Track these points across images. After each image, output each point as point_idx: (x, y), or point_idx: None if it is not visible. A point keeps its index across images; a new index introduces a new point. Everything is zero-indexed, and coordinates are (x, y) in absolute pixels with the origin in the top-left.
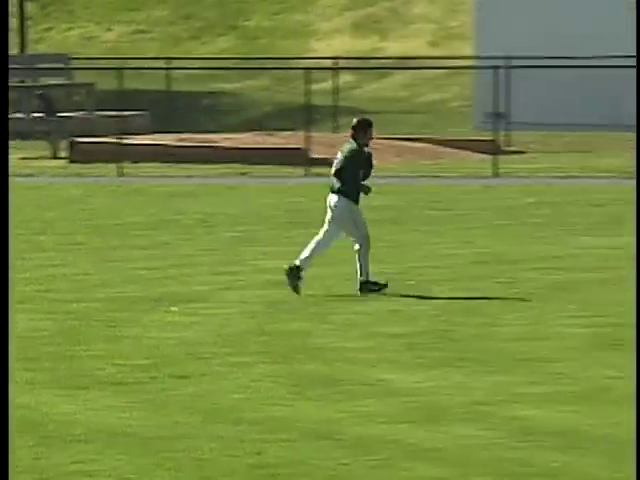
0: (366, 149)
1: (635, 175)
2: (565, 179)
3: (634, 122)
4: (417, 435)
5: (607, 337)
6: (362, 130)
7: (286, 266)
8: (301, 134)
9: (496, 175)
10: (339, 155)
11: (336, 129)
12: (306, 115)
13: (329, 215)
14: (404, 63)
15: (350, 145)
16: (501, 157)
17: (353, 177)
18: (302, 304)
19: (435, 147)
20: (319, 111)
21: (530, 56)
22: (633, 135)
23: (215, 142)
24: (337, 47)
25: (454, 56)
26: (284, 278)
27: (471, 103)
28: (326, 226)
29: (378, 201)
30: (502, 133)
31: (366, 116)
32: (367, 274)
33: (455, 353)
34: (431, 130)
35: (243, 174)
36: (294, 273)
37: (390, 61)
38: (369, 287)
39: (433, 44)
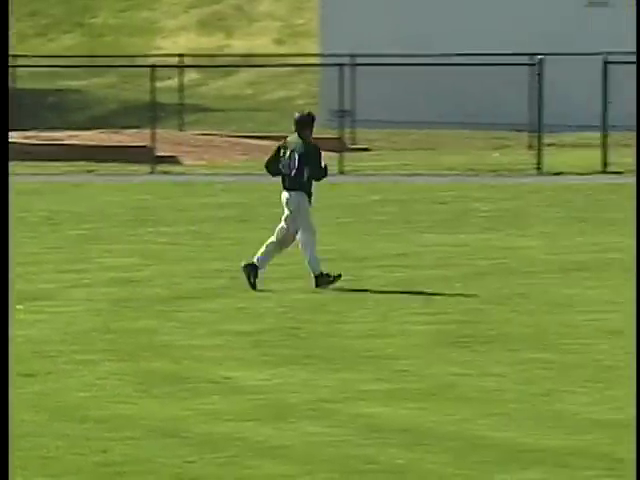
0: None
1: (635, 175)
2: (410, 177)
3: (478, 120)
4: (264, 433)
5: (451, 334)
6: (308, 125)
7: (243, 263)
8: (147, 132)
9: (342, 173)
10: (292, 153)
11: (182, 127)
12: (152, 113)
13: (287, 213)
14: (250, 61)
15: (302, 142)
16: (347, 155)
17: (311, 174)
18: (148, 302)
19: None
20: (165, 109)
21: (375, 54)
22: (477, 132)
23: (61, 140)
24: (183, 45)
25: (300, 54)
26: (241, 274)
27: (317, 101)
28: (282, 224)
29: (225, 199)
30: (347, 131)
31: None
32: (319, 267)
33: (302, 350)
34: (277, 128)
35: (89, 172)
36: (323, 281)
37: (236, 59)
38: (325, 280)
39: (279, 42)
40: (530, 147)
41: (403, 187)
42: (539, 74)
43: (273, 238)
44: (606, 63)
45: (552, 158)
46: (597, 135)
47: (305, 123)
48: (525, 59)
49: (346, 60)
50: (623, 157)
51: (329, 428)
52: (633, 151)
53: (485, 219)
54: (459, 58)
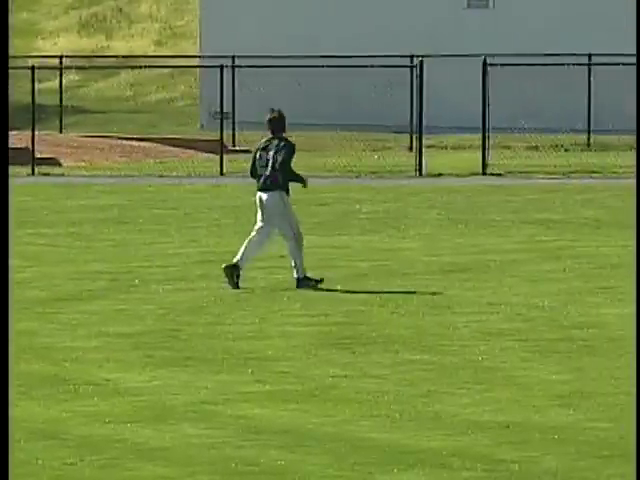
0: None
1: (635, 176)
2: None
3: (359, 121)
4: (144, 434)
5: (332, 336)
6: (282, 123)
7: (223, 265)
8: (27, 133)
9: (222, 174)
10: (268, 152)
11: (62, 128)
12: (32, 114)
13: (264, 213)
14: (130, 62)
15: (278, 140)
16: (227, 156)
17: (287, 172)
18: (28, 303)
19: (161, 146)
20: (45, 110)
21: (255, 55)
22: (357, 134)
23: None
24: (63, 46)
25: (180, 55)
26: (223, 276)
27: (197, 102)
28: (260, 224)
29: (104, 200)
30: (228, 132)
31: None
32: (303, 270)
33: (182, 352)
34: (157, 129)
35: None
36: (305, 284)
37: (116, 60)
38: (306, 283)
39: (159, 43)
40: (410, 149)
41: None
42: (419, 76)
43: (252, 237)
44: (486, 65)
45: (432, 160)
46: (477, 137)
47: (282, 122)
48: (406, 61)
49: (227, 62)
50: (503, 159)
51: (209, 430)
52: (512, 153)
53: (366, 221)
54: (340, 60)
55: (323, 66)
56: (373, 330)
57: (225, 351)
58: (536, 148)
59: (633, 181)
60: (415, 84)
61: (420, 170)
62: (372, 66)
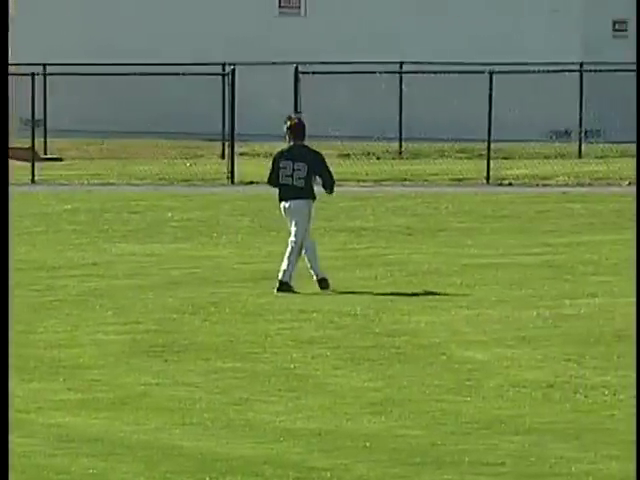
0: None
1: (635, 176)
2: (103, 186)
3: (171, 129)
4: None
5: (144, 343)
6: (303, 130)
7: (275, 290)
8: None
9: (33, 182)
10: (295, 162)
11: None
12: None
13: (291, 219)
14: None
15: (302, 148)
16: (38, 164)
17: (325, 181)
18: None
19: None
20: None
21: (67, 63)
22: (169, 142)
23: None
24: None
25: None
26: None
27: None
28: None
29: None
30: (40, 140)
31: None
32: (290, 276)
33: None
34: None
35: None
36: (285, 289)
37: None
38: (287, 287)
39: None
40: (222, 157)
41: (96, 196)
42: (231, 83)
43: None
44: (297, 72)
45: (244, 168)
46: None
47: (303, 129)
48: (218, 68)
49: (37, 69)
50: None
51: (21, 438)
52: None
53: (178, 228)
54: (152, 67)
55: (135, 74)
56: (185, 338)
57: (36, 359)
58: (348, 156)
59: (445, 189)
60: (227, 92)
61: (232, 178)
62: (184, 74)
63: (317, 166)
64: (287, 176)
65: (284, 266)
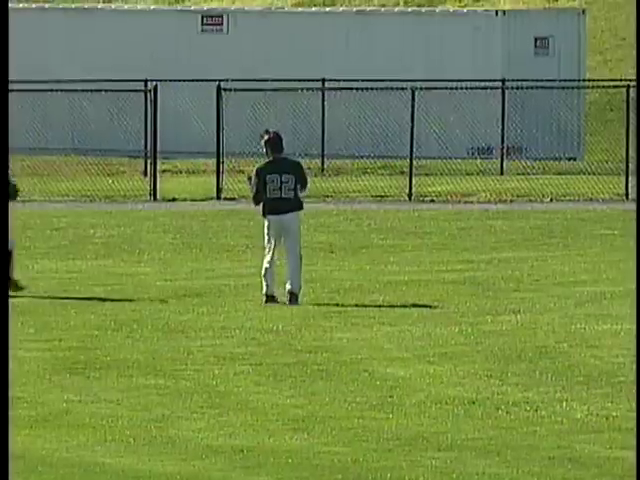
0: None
1: (635, 177)
2: (25, 203)
3: (93, 146)
4: None
5: (66, 360)
6: (280, 143)
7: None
8: None
9: None
10: (282, 175)
11: None
12: None
13: (283, 234)
14: None
15: (284, 161)
16: None
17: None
18: None
19: None
20: None
21: None
22: (92, 159)
23: None
24: None
25: None
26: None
27: None
28: (272, 250)
29: None
30: None
31: None
32: (299, 286)
33: None
34: None
35: None
36: (294, 301)
37: None
38: (296, 299)
39: None
40: (145, 173)
41: (17, 213)
42: (153, 100)
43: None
44: (220, 89)
45: (167, 184)
46: (211, 161)
47: (280, 141)
48: (140, 85)
49: None
50: (237, 183)
51: None
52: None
53: (100, 245)
54: (74, 84)
55: (56, 90)
56: (107, 355)
57: None
58: None
59: (367, 206)
60: (149, 108)
61: (154, 194)
62: (106, 90)
63: (301, 175)
64: (275, 190)
65: (290, 279)
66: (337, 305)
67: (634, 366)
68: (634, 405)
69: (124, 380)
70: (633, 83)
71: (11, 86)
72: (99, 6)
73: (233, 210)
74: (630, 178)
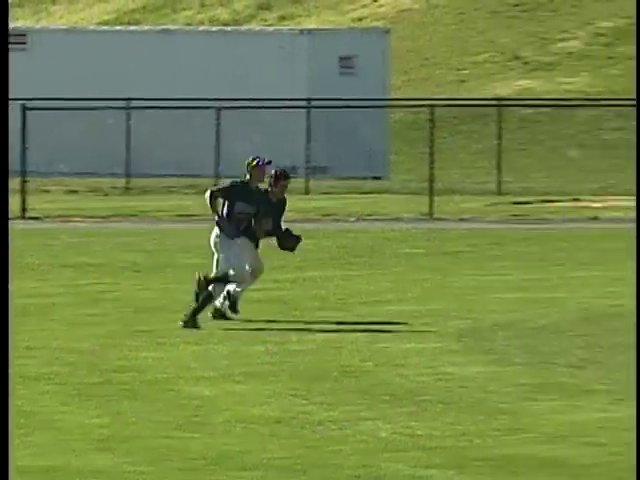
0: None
1: (635, 178)
2: None
3: None
4: None
5: None
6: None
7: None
8: None
9: None
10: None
11: None
12: None
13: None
14: None
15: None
16: None
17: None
18: None
19: None
20: None
21: None
22: None
23: None
24: None
25: None
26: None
27: None
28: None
29: None
30: None
31: None
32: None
33: None
34: None
35: None
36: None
37: None
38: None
39: None
40: None
41: None
42: None
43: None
44: (25, 109)
45: None
46: (15, 180)
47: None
48: None
49: None
50: (42, 203)
51: None
52: (52, 197)
53: None
54: None
55: None
56: None
57: None
58: (75, 192)
59: (172, 225)
60: None
61: None
62: None
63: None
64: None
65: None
66: (143, 324)
67: (437, 384)
68: (439, 424)
69: None
70: (437, 102)
71: None
72: None
73: (38, 230)
74: (435, 197)
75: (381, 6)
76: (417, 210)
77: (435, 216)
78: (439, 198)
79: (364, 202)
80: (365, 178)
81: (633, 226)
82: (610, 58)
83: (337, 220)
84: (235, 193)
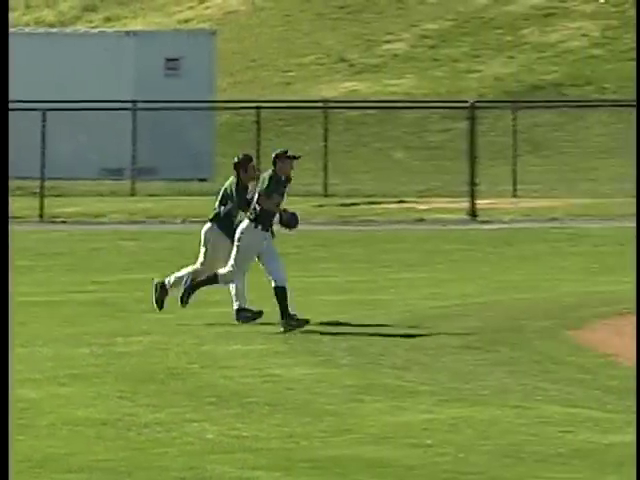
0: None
1: (635, 178)
2: None
3: None
4: None
5: None
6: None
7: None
8: None
9: None
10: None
11: None
12: None
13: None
14: None
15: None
16: None
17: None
18: None
19: None
20: None
21: None
22: None
23: None
24: None
25: None
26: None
27: None
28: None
29: None
30: None
31: None
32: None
33: None
34: None
35: None
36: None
37: None
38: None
39: None
40: None
41: None
42: None
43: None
44: None
45: None
46: None
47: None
48: None
49: None
50: None
51: None
52: None
53: None
54: None
55: None
56: None
57: None
58: None
59: None
60: None
61: None
62: None
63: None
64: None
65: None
66: None
67: (264, 385)
68: (265, 426)
69: None
70: (263, 104)
71: None
72: None
73: None
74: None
75: (207, 8)
76: None
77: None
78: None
79: (190, 204)
80: (191, 180)
81: (457, 227)
82: (435, 60)
83: (163, 222)
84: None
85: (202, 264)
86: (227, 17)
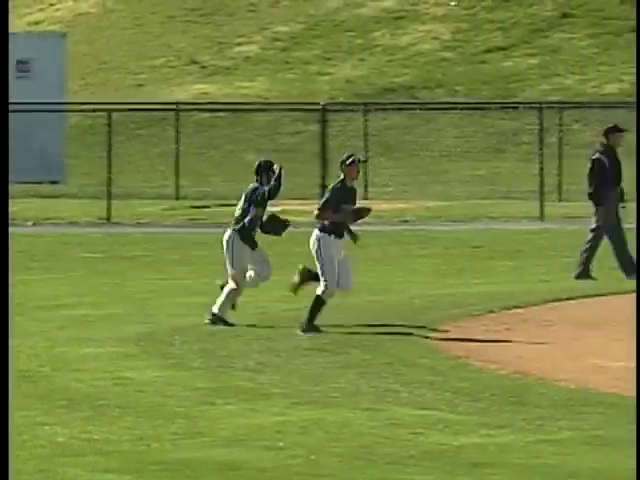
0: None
1: (635, 179)
2: None
3: None
4: None
5: None
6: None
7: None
8: None
9: None
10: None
11: None
12: None
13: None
14: None
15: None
16: None
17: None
18: None
19: None
20: None
21: None
22: None
23: None
24: None
25: None
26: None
27: None
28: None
29: None
30: None
31: None
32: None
33: None
34: None
35: None
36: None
37: None
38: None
39: None
40: None
41: None
42: None
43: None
44: None
45: None
46: None
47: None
48: None
49: None
50: None
51: None
52: None
53: None
54: None
55: None
56: None
57: None
58: None
59: None
60: None
61: None
62: None
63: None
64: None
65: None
66: None
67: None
68: (116, 428)
69: None
70: (114, 107)
71: None
72: None
73: None
74: (113, 202)
75: (58, 10)
76: (95, 214)
77: (113, 220)
78: (117, 202)
79: (41, 206)
80: (42, 182)
81: (309, 230)
82: (287, 63)
83: (14, 224)
84: (340, 197)
85: (234, 270)
86: (78, 19)
